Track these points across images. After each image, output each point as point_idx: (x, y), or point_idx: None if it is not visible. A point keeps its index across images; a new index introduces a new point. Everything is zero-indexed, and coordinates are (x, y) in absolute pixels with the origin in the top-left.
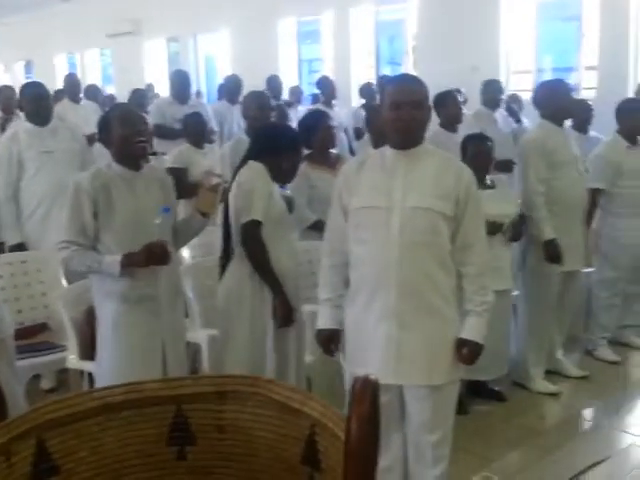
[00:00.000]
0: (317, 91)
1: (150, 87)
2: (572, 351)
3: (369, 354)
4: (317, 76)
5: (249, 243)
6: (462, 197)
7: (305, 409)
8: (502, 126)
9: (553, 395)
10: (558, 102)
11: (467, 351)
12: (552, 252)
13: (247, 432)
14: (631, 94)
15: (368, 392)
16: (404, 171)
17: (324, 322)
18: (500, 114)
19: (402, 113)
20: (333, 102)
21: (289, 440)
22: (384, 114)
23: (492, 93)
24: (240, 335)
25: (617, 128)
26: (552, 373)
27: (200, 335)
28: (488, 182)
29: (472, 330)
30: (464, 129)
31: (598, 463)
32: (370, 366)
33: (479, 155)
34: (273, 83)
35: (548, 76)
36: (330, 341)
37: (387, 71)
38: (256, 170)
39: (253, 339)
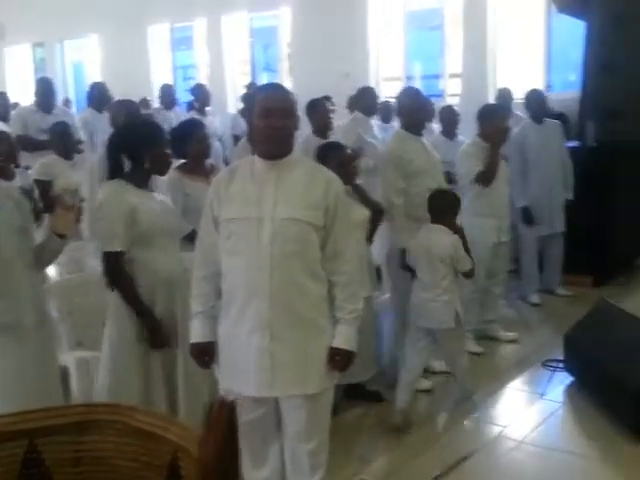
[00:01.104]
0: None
1: (2, 96)
2: None
3: (242, 366)
4: (192, 83)
5: (109, 273)
6: (331, 207)
7: (168, 435)
8: (377, 132)
9: (427, 391)
10: (413, 113)
11: (339, 359)
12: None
13: (108, 462)
14: (492, 100)
15: (224, 414)
16: (274, 181)
17: (197, 335)
18: (375, 121)
19: (272, 121)
20: (207, 109)
21: (152, 467)
22: (254, 122)
23: (368, 100)
24: (104, 357)
25: (477, 131)
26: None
27: (68, 358)
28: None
29: (344, 338)
30: (341, 135)
31: (466, 457)
32: (243, 379)
33: (339, 162)
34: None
35: (417, 83)
36: (204, 354)
37: (264, 78)
38: (111, 191)
39: (115, 362)
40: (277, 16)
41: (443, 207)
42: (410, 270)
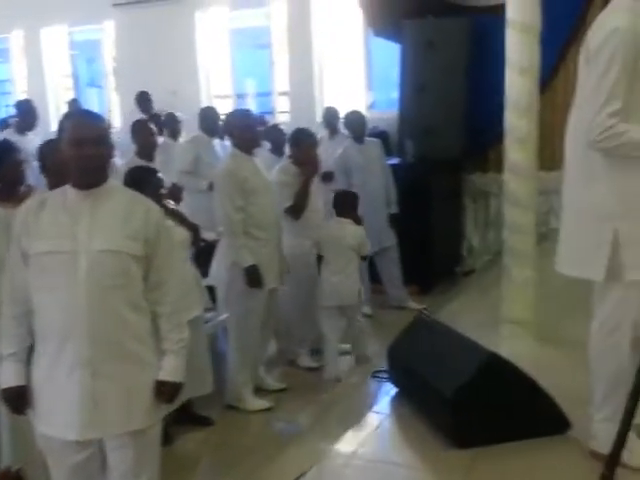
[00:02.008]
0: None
1: None
2: (277, 363)
3: (62, 409)
4: (9, 98)
5: None
6: (152, 236)
7: None
8: (221, 152)
9: (267, 410)
10: (243, 133)
11: (166, 392)
12: (252, 277)
13: None
14: (319, 117)
15: None
16: (89, 212)
17: (9, 379)
18: (218, 141)
19: (84, 150)
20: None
21: None
22: (64, 152)
23: (208, 119)
24: None
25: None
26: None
27: None
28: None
29: (170, 370)
30: (180, 155)
31: (302, 475)
32: (64, 422)
33: (153, 188)
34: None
35: (249, 100)
36: (18, 399)
37: (89, 93)
38: None
39: None
40: (101, 29)
41: (347, 204)
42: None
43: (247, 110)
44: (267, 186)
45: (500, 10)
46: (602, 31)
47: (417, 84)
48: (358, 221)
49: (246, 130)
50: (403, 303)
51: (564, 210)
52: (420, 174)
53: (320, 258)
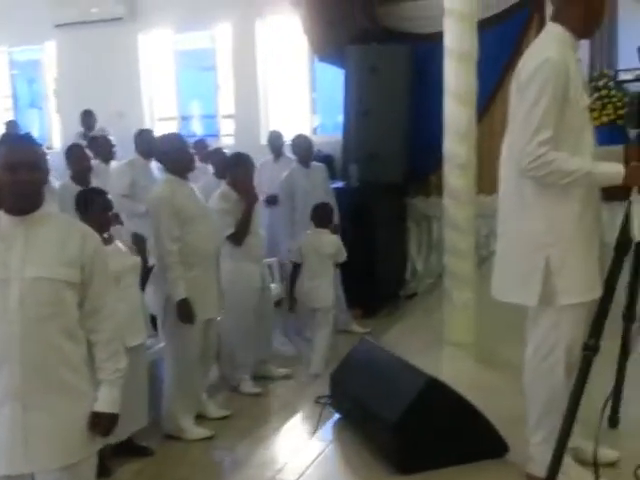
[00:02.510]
0: None
1: None
2: (220, 390)
3: None
4: None
5: None
6: (88, 262)
7: None
8: (158, 176)
9: (208, 439)
10: (176, 158)
11: (102, 423)
12: (184, 312)
13: None
14: (264, 141)
15: None
16: (23, 238)
17: None
18: (156, 164)
19: (18, 175)
20: None
21: None
22: None
23: (144, 142)
24: None
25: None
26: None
27: None
28: (106, 236)
29: (106, 401)
30: (116, 178)
31: None
32: None
33: (102, 208)
34: None
35: (194, 123)
36: None
37: (30, 114)
38: None
39: None
40: (42, 49)
41: (325, 216)
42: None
43: (176, 133)
44: (205, 213)
45: (440, 38)
46: (533, 61)
47: (361, 109)
48: (334, 231)
49: (178, 154)
50: (347, 327)
51: (498, 237)
52: (364, 198)
53: (298, 266)
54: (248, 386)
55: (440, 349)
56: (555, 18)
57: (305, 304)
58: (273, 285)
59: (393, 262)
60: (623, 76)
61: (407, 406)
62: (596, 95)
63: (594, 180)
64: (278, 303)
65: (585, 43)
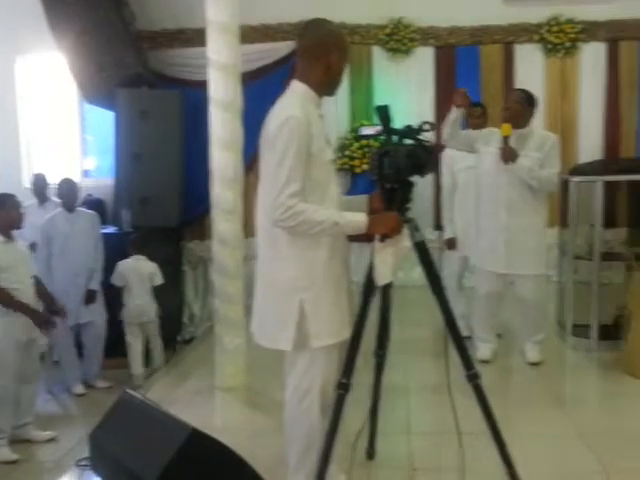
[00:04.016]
0: None
1: None
2: None
3: None
4: None
5: None
6: None
7: None
8: None
9: None
10: None
11: None
12: None
13: None
14: (28, 184)
15: None
16: None
17: None
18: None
19: None
20: None
21: None
22: None
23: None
24: None
25: None
26: None
27: None
28: None
29: None
30: None
31: None
32: None
33: None
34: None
35: None
36: None
37: None
38: None
39: None
40: None
41: (142, 244)
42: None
43: None
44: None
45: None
46: (277, 119)
47: (132, 152)
48: (151, 258)
49: None
50: (90, 380)
51: (257, 282)
52: None
53: (122, 288)
54: (4, 453)
55: (212, 395)
56: (299, 77)
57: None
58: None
59: (169, 307)
60: (365, 131)
61: (166, 463)
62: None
63: (341, 229)
64: (42, 357)
65: (344, 97)
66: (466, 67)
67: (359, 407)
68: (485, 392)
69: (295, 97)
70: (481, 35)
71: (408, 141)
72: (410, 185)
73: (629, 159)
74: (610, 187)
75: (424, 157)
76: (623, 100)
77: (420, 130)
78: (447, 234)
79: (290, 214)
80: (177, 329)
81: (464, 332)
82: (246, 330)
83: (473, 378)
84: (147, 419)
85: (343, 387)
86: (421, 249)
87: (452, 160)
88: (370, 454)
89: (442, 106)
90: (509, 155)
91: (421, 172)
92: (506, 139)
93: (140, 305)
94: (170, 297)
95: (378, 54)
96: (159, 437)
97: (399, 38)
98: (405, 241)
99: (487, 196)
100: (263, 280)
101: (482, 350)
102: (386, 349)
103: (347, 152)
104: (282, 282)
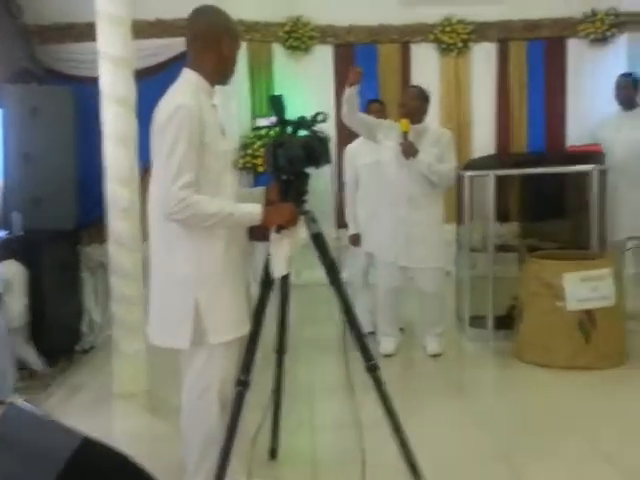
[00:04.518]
0: None
1: None
2: None
3: None
4: None
5: None
6: None
7: None
8: None
9: None
10: None
11: None
12: None
13: None
14: None
15: None
16: None
17: None
18: None
19: None
20: None
21: None
22: None
23: None
24: None
25: None
26: None
27: None
28: None
29: None
30: None
31: None
32: None
33: None
34: None
35: None
36: None
37: None
38: None
39: None
40: None
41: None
42: None
43: None
44: None
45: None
46: (167, 108)
47: (22, 151)
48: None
49: None
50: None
51: (151, 281)
52: (30, 247)
53: None
54: None
55: (110, 403)
56: (191, 65)
57: None
58: None
59: (67, 314)
60: (260, 122)
61: (55, 476)
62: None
63: (236, 221)
64: None
65: (245, 96)
66: (365, 66)
67: (260, 405)
68: (384, 383)
69: (186, 85)
70: (378, 34)
71: (304, 134)
72: (306, 177)
73: (520, 154)
74: (503, 182)
75: (319, 148)
76: (514, 98)
77: (314, 121)
78: (351, 230)
79: (183, 206)
80: (76, 338)
81: (369, 328)
82: (145, 334)
83: (372, 369)
84: (35, 431)
85: (242, 384)
86: (318, 241)
87: (355, 156)
88: (273, 452)
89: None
90: (410, 150)
91: (316, 163)
92: (405, 135)
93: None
94: (67, 304)
95: (278, 52)
96: (48, 449)
97: (298, 36)
98: (301, 232)
99: (388, 190)
100: (157, 276)
101: (385, 344)
102: (286, 345)
103: (249, 151)
104: (177, 277)
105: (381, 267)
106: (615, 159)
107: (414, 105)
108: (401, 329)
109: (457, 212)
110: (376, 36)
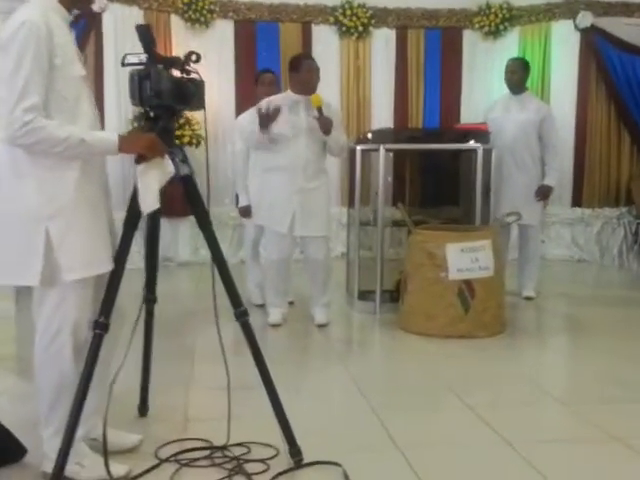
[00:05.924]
0: None
1: None
2: None
3: None
4: None
5: None
6: None
7: None
8: None
9: None
10: None
11: None
12: None
13: None
14: None
15: None
16: None
17: None
18: None
19: None
20: None
21: None
22: None
23: None
24: None
25: None
26: None
27: None
28: None
29: None
30: None
31: None
32: None
33: None
34: None
35: None
36: None
37: None
38: None
39: None
40: None
41: None
42: None
43: None
44: None
45: None
46: (12, 24)
47: None
48: None
49: None
50: None
51: None
52: None
53: None
54: None
55: None
56: None
57: None
58: None
59: None
60: (130, 59)
61: None
62: None
63: (90, 148)
64: None
65: None
66: (266, 43)
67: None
68: (253, 330)
69: (35, 4)
70: (280, 13)
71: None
72: (173, 113)
73: (415, 129)
74: (397, 158)
75: (192, 88)
76: (412, 81)
77: (187, 60)
78: (242, 202)
79: (27, 130)
80: None
81: (259, 301)
82: (17, 294)
83: (241, 316)
84: None
85: (101, 327)
86: (187, 183)
87: (246, 126)
88: (142, 410)
89: (243, 79)
90: (328, 125)
91: (187, 102)
92: (320, 109)
93: None
94: None
95: (176, 24)
96: None
97: (198, 9)
98: (169, 167)
99: (283, 160)
100: (1, 209)
101: (273, 315)
102: (155, 293)
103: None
104: (24, 209)
105: (271, 238)
106: (504, 140)
107: (316, 79)
108: (291, 302)
109: (348, 186)
110: (277, 14)
